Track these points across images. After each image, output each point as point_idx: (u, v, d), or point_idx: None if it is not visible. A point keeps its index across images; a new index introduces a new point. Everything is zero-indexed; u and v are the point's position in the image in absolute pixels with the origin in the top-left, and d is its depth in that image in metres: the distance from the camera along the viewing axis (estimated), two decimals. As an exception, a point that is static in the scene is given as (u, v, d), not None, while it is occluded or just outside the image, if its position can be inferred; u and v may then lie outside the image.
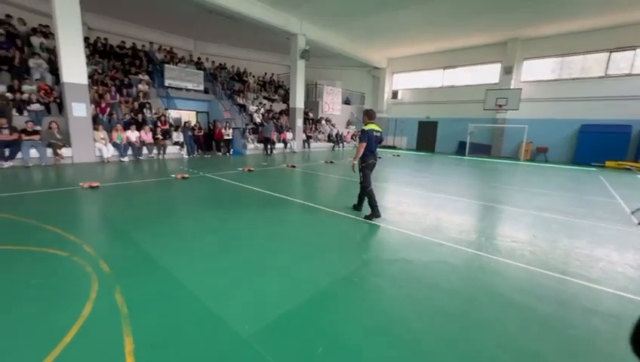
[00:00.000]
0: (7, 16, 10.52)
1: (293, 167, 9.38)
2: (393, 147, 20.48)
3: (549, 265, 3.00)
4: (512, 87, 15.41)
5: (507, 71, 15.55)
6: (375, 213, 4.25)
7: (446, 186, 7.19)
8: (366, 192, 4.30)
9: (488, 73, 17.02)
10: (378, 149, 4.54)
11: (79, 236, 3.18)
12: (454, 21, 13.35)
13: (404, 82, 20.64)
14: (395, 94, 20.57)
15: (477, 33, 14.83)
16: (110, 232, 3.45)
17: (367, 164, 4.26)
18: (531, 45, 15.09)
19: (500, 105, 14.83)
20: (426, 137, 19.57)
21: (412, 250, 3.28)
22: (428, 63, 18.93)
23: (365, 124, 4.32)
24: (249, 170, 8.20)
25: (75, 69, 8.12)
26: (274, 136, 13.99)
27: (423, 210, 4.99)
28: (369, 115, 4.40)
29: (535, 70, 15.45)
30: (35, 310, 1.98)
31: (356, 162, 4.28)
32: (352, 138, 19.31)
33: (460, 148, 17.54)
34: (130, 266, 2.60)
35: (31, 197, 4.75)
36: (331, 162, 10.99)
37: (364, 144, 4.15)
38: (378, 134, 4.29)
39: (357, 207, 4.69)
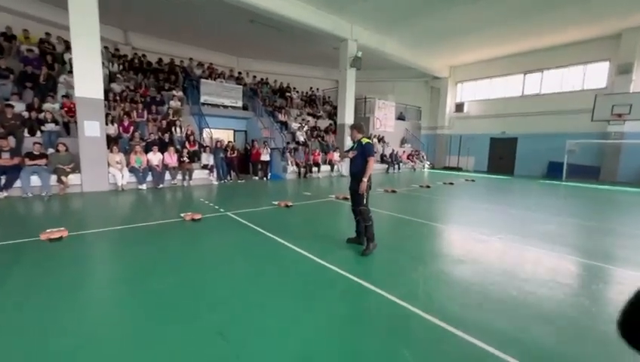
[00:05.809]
0: (47, 34, 10.12)
1: (345, 199, 7.02)
2: (458, 168, 17.19)
3: None
4: (631, 90, 11.61)
5: (623, 70, 11.82)
6: (370, 245, 3.52)
7: (629, 248, 4.21)
8: (365, 214, 3.54)
9: (589, 75, 13.36)
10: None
11: None
12: (541, 14, 10.42)
13: (470, 92, 17.52)
14: (459, 107, 17.50)
15: (574, 26, 11.58)
16: None
17: (371, 181, 3.64)
18: (660, 35, 11.32)
19: (620, 115, 11.08)
20: (501, 157, 16.02)
21: None
22: (503, 68, 15.71)
23: (364, 137, 3.66)
24: (286, 206, 6.03)
25: (89, 81, 6.87)
26: (318, 157, 11.93)
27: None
28: (361, 129, 3.75)
29: (665, 67, 11.53)
30: None
31: (365, 179, 3.49)
32: (408, 158, 16.52)
33: (552, 171, 13.74)
34: None
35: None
36: (393, 191, 8.43)
37: (374, 158, 3.58)
38: None
39: (360, 241, 3.70)
